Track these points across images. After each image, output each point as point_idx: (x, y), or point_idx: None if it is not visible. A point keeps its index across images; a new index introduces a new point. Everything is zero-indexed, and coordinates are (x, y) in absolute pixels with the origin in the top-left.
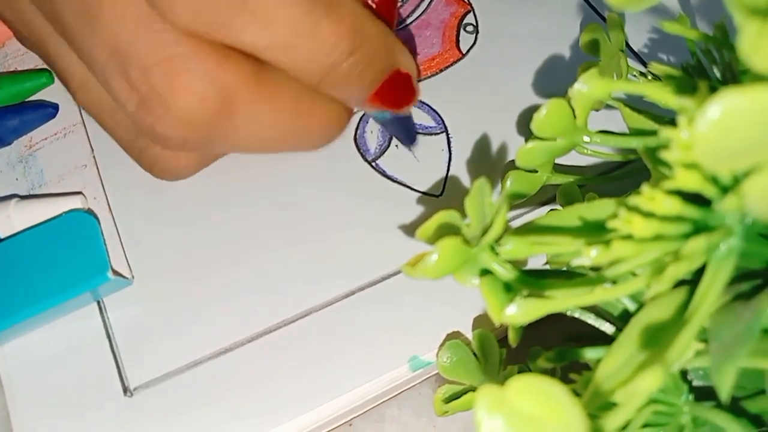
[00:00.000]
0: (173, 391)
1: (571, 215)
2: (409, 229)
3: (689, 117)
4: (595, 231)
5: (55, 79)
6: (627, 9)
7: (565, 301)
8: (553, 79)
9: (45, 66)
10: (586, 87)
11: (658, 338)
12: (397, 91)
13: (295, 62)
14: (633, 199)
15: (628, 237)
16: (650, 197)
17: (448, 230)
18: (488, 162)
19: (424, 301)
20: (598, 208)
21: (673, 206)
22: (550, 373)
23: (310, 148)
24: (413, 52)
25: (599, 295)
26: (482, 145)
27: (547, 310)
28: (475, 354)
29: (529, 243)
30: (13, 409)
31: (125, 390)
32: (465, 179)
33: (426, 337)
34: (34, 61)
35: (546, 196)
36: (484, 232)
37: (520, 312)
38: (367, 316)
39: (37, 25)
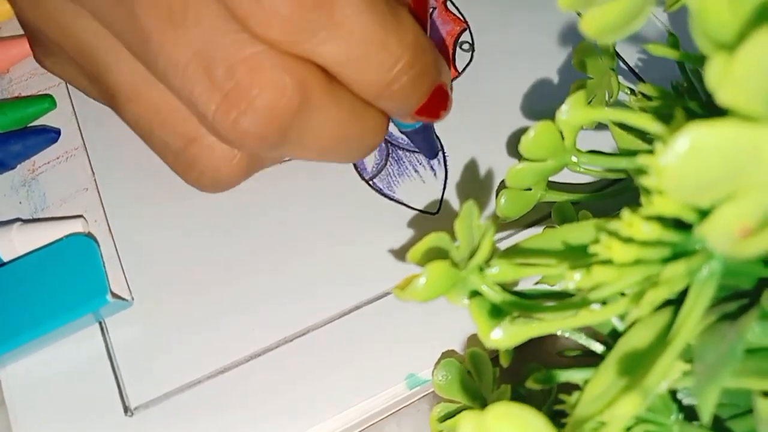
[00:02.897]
0: (173, 410)
1: (556, 238)
2: (406, 248)
3: (665, 144)
4: (579, 254)
5: (57, 103)
6: (603, 40)
7: (550, 324)
8: (550, 96)
9: (48, 91)
10: (567, 115)
11: (640, 361)
12: (437, 103)
13: (362, 73)
14: (613, 224)
15: (609, 262)
16: (629, 223)
17: (437, 253)
18: (484, 180)
19: (421, 319)
20: (581, 232)
21: (653, 231)
22: (547, 391)
23: (355, 156)
24: None
25: (584, 318)
26: (478, 163)
27: (531, 333)
28: (469, 372)
29: (515, 266)
30: (16, 429)
31: (126, 409)
32: (462, 197)
33: (423, 354)
34: (37, 87)
35: (541, 214)
36: (472, 254)
37: (505, 336)
38: (364, 333)
39: (85, 38)
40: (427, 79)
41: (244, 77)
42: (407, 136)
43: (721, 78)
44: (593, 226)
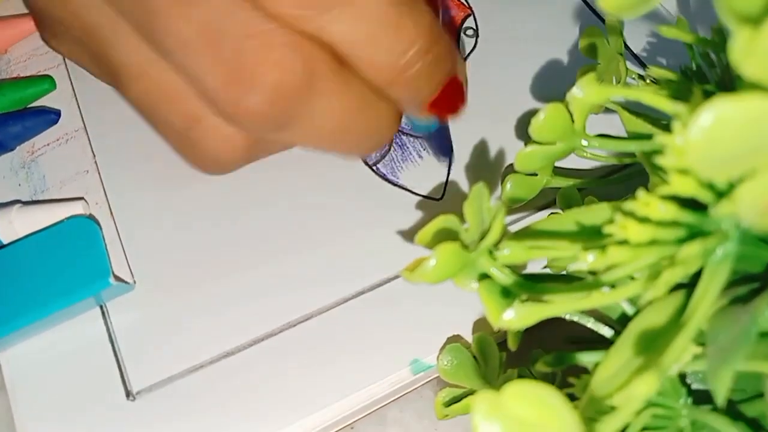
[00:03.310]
0: (175, 394)
1: (568, 220)
2: (410, 233)
3: (683, 123)
4: (592, 235)
5: (57, 84)
6: (622, 16)
7: (561, 305)
8: (555, 82)
9: (47, 72)
10: (582, 93)
11: (654, 343)
12: (452, 98)
13: (374, 56)
14: (629, 204)
15: (624, 242)
16: (645, 202)
17: (446, 235)
18: (489, 165)
19: (426, 304)
20: (594, 213)
21: (668, 212)
22: (551, 376)
23: (363, 149)
24: None
25: (596, 299)
26: (483, 148)
27: (543, 314)
28: (475, 357)
29: (527, 247)
30: (16, 412)
31: (128, 394)
32: (465, 183)
33: (427, 340)
34: (36, 67)
35: (547, 200)
36: (482, 236)
37: (516, 317)
38: (368, 319)
39: (90, 17)
40: (441, 67)
41: (252, 54)
42: (424, 138)
43: (746, 52)
44: (608, 207)
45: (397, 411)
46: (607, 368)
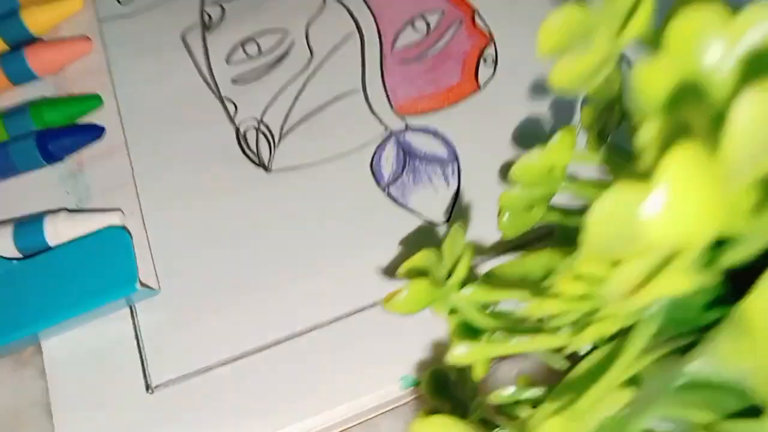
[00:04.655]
0: (189, 390)
1: (525, 265)
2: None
3: None
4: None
5: (104, 102)
6: (574, 93)
7: (506, 347)
8: (568, 113)
9: (96, 91)
10: (538, 160)
11: (584, 388)
12: None
13: None
14: (570, 258)
15: (559, 294)
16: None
17: (422, 271)
18: (495, 194)
19: (419, 323)
20: (542, 261)
21: (600, 269)
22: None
23: None
24: (434, 83)
25: (538, 343)
26: (491, 176)
27: (490, 354)
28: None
29: (486, 289)
30: (53, 396)
31: (147, 387)
32: (473, 210)
33: (418, 357)
34: (87, 85)
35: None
36: (450, 274)
37: (465, 354)
38: (365, 334)
39: None
40: None
41: None
42: None
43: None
44: (554, 257)
45: (392, 420)
46: (545, 409)
